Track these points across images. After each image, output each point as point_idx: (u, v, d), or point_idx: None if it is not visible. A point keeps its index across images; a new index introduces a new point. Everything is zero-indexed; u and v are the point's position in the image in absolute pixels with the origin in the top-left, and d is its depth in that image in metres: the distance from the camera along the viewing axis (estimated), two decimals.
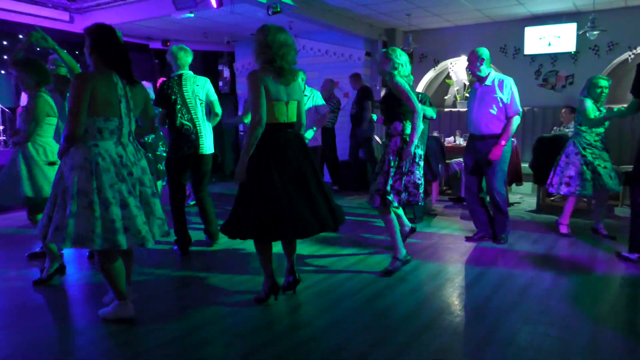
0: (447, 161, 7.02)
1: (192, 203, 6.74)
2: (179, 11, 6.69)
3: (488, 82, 4.46)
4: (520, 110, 4.44)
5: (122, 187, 2.74)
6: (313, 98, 5.82)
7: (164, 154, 6.53)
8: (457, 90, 8.90)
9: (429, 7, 7.22)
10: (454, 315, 3.06)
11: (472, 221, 4.96)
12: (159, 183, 5.79)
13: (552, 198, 7.08)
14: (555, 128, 7.12)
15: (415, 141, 3.76)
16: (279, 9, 6.15)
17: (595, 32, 6.63)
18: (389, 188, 3.79)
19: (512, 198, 7.13)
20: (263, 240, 3.13)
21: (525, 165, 6.71)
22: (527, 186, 7.36)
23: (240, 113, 9.29)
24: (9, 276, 3.88)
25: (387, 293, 3.44)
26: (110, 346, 2.69)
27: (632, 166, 4.64)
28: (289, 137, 3.11)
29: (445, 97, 9.18)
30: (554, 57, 7.69)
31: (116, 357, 2.58)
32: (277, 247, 3.34)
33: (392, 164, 3.80)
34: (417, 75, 8.67)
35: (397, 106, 3.80)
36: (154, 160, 5.57)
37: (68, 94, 3.93)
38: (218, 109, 4.44)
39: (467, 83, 8.57)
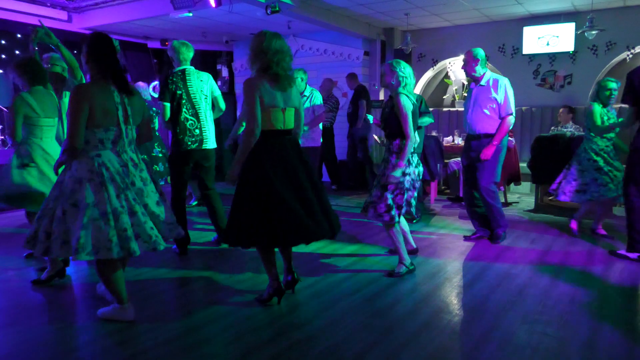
0: (446, 161, 7.03)
1: (193, 204, 6.75)
2: (177, 10, 6.68)
3: (483, 82, 4.47)
4: (514, 110, 4.44)
5: (128, 195, 2.74)
6: (311, 99, 5.82)
7: (160, 155, 6.54)
8: (456, 89, 8.91)
9: (428, 7, 7.23)
10: (452, 315, 3.07)
11: (470, 221, 4.97)
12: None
13: (550, 198, 7.09)
14: (553, 128, 7.13)
15: (403, 168, 3.71)
16: (277, 9, 6.15)
17: (593, 32, 6.65)
18: (390, 202, 3.74)
19: (511, 198, 7.14)
20: (263, 247, 3.14)
21: (523, 165, 6.72)
22: (526, 186, 7.38)
23: (239, 113, 9.30)
24: (8, 276, 3.87)
25: (386, 292, 3.45)
26: (109, 345, 2.69)
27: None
28: (286, 143, 3.11)
29: (444, 97, 9.19)
30: (553, 57, 7.70)
31: (115, 356, 2.58)
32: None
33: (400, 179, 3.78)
34: (416, 74, 8.64)
35: (397, 124, 3.78)
36: (149, 161, 5.57)
37: (68, 95, 3.95)
38: (222, 105, 4.48)
39: (466, 82, 8.57)
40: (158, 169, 6.43)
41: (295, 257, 4.06)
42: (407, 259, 3.89)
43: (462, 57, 4.80)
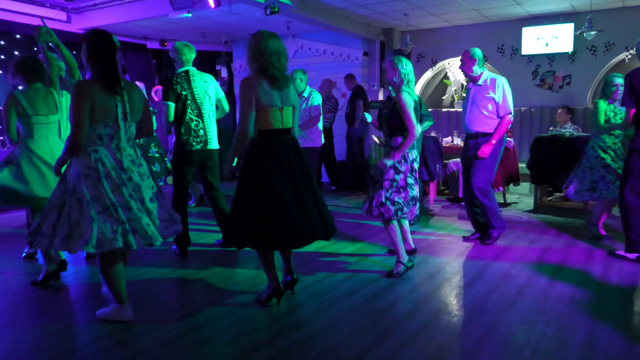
0: (445, 161, 7.03)
1: (192, 205, 6.75)
2: (177, 11, 6.68)
3: (480, 82, 4.47)
4: (512, 110, 4.43)
5: (123, 191, 2.76)
6: (309, 100, 5.84)
7: (157, 155, 6.54)
8: (455, 90, 8.92)
9: (427, 7, 7.23)
10: (451, 315, 3.07)
11: (469, 221, 4.97)
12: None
13: (550, 198, 7.10)
14: (551, 128, 7.14)
15: (396, 159, 3.78)
16: (276, 9, 6.15)
17: (592, 33, 6.65)
18: (383, 199, 3.78)
19: (510, 198, 7.15)
20: (258, 249, 3.15)
21: (522, 166, 6.72)
22: (525, 186, 7.38)
23: (238, 113, 9.29)
24: (6, 277, 3.87)
25: (385, 293, 3.45)
26: (108, 345, 2.69)
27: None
28: (284, 143, 3.11)
29: (443, 97, 9.20)
30: (552, 57, 7.71)
31: (114, 357, 2.58)
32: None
33: (391, 177, 3.83)
34: (415, 75, 8.64)
35: (399, 121, 3.82)
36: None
37: (65, 94, 3.94)
38: (227, 107, 4.53)
39: (465, 83, 8.58)
40: (155, 170, 6.43)
41: (295, 258, 4.05)
42: (404, 257, 3.90)
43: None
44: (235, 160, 3.22)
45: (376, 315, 3.06)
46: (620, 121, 4.66)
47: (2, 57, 7.76)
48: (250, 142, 3.11)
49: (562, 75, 7.72)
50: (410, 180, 3.86)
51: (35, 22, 7.24)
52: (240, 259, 4.30)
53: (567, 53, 7.54)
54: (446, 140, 7.42)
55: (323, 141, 6.50)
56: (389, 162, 3.79)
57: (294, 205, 3.04)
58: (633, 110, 4.08)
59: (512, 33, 7.88)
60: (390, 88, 3.95)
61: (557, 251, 4.47)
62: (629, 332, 2.79)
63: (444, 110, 8.80)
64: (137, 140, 3.05)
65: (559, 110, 7.07)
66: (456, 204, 6.76)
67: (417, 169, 3.94)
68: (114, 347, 2.68)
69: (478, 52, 4.49)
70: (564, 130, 6.57)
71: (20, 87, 3.79)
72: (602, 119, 4.72)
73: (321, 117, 6.33)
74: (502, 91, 4.38)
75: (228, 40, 9.60)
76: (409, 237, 4.26)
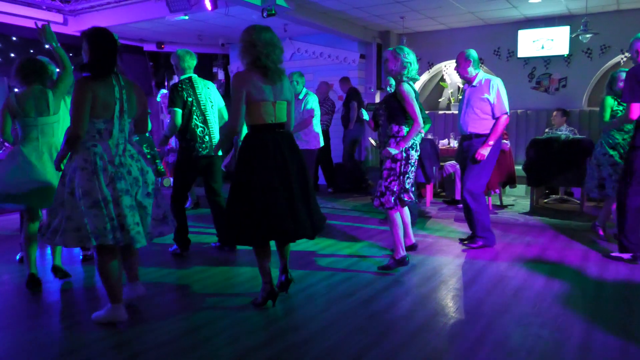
0: (441, 163, 7.05)
1: (188, 207, 6.74)
2: (173, 13, 6.68)
3: (475, 83, 4.47)
4: (508, 110, 4.40)
5: (117, 186, 2.80)
6: (301, 103, 5.87)
7: (148, 156, 6.54)
8: (451, 92, 8.94)
9: (423, 10, 7.25)
10: (448, 317, 3.07)
11: (466, 223, 4.97)
12: None
13: (546, 200, 7.12)
14: (547, 130, 7.16)
15: (405, 146, 3.85)
16: (273, 12, 6.16)
17: (588, 35, 6.68)
18: (383, 189, 3.91)
19: (506, 200, 7.16)
20: (247, 245, 3.16)
21: (518, 168, 6.74)
22: (521, 188, 7.40)
23: None
24: (3, 280, 3.86)
25: (382, 295, 3.45)
26: (106, 347, 2.68)
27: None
28: (278, 138, 3.10)
29: (440, 100, 9.22)
30: (547, 60, 7.74)
31: (112, 359, 2.57)
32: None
33: (389, 166, 3.91)
34: None
35: (397, 108, 3.87)
36: None
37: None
38: (226, 115, 4.54)
39: (461, 85, 8.60)
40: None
41: (293, 259, 4.07)
42: (401, 254, 3.94)
43: None
44: (230, 155, 3.25)
45: (373, 317, 3.06)
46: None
47: None
48: (244, 138, 3.11)
49: (558, 78, 7.75)
50: (404, 168, 3.90)
51: (31, 23, 7.26)
52: (238, 261, 4.30)
53: (562, 56, 7.57)
54: (443, 143, 7.43)
55: (322, 144, 6.52)
56: (394, 151, 3.84)
57: (282, 201, 3.02)
58: (637, 105, 3.92)
59: (508, 36, 7.91)
60: (391, 82, 3.97)
61: (553, 253, 4.48)
62: (625, 333, 2.80)
63: (441, 112, 8.82)
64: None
65: (554, 113, 7.09)
66: (453, 206, 6.77)
67: (415, 157, 3.97)
68: (111, 348, 2.67)
69: (473, 53, 4.49)
70: (559, 133, 6.59)
71: (16, 90, 3.78)
72: (607, 115, 4.73)
73: (318, 119, 6.35)
74: (497, 92, 4.37)
75: (225, 43, 9.60)
76: (410, 231, 4.26)
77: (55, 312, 3.27)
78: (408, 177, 3.95)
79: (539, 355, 2.56)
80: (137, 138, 5.48)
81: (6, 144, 3.89)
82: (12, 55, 7.82)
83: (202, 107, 4.29)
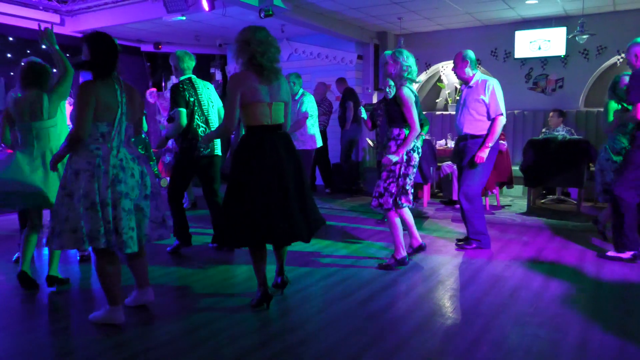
0: (439, 164, 7.06)
1: (186, 208, 6.73)
2: (171, 14, 6.68)
3: (472, 83, 4.46)
4: (503, 111, 4.36)
5: (117, 188, 2.80)
6: (297, 104, 5.89)
7: None
8: (449, 93, 8.96)
9: (420, 11, 7.26)
10: (445, 317, 3.07)
11: (463, 224, 4.98)
12: None
13: (543, 201, 7.14)
14: (544, 130, 7.17)
15: (403, 152, 3.90)
16: (270, 12, 6.16)
17: (584, 36, 6.70)
18: (382, 190, 3.95)
19: (503, 201, 7.18)
20: (240, 247, 3.17)
21: (515, 168, 6.76)
22: (518, 189, 7.42)
23: None
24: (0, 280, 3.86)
25: (379, 295, 3.45)
26: (103, 349, 2.68)
27: None
28: (275, 139, 3.09)
29: (437, 101, 9.24)
30: (544, 61, 7.76)
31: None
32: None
33: (391, 168, 3.96)
34: None
35: (397, 112, 3.93)
36: None
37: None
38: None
39: (458, 86, 8.62)
40: None
41: (290, 259, 4.06)
42: (401, 254, 3.97)
43: None
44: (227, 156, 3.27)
45: (371, 318, 3.06)
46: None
47: None
48: (240, 139, 3.12)
49: (555, 79, 7.77)
50: (404, 170, 3.94)
51: (28, 24, 7.25)
52: (236, 261, 4.30)
53: (559, 56, 7.59)
54: (440, 143, 7.45)
55: (321, 144, 6.53)
56: (395, 159, 3.88)
57: (275, 204, 3.01)
58: None
59: (506, 37, 7.93)
60: (390, 84, 4.00)
61: (550, 253, 4.49)
62: (622, 333, 2.81)
63: (438, 113, 8.84)
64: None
65: (551, 114, 7.10)
66: (450, 207, 6.78)
67: (417, 159, 4.02)
68: (108, 350, 2.67)
69: (470, 54, 4.49)
70: (556, 133, 6.61)
71: (19, 94, 3.77)
72: (611, 118, 4.71)
73: (315, 120, 6.36)
74: (492, 93, 4.34)
75: (222, 43, 9.60)
76: (416, 232, 4.26)
77: (53, 313, 3.26)
78: (409, 179, 4.01)
79: (537, 355, 2.56)
80: (133, 139, 5.49)
81: (2, 144, 3.87)
82: (9, 55, 7.81)
83: (204, 107, 4.31)
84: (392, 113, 3.99)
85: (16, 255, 4.35)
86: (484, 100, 4.36)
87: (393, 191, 3.96)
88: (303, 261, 4.27)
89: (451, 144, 7.31)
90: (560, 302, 3.28)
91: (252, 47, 3.00)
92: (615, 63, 7.36)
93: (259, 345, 2.71)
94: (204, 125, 4.29)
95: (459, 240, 4.81)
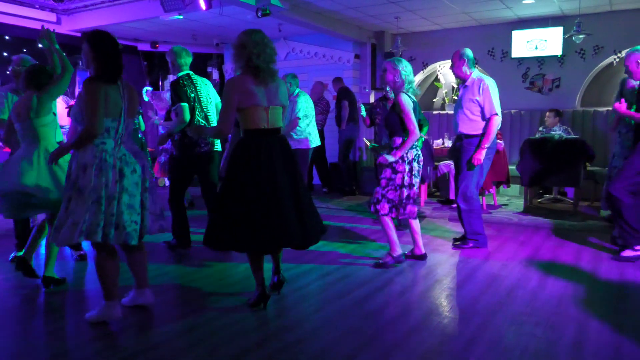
0: (436, 163, 7.07)
1: None
2: (168, 13, 6.66)
3: (468, 82, 4.45)
4: (498, 111, 4.31)
5: (124, 183, 2.86)
6: (292, 102, 5.91)
7: None
8: (446, 92, 8.96)
9: (418, 10, 7.26)
10: (442, 317, 3.08)
11: (460, 223, 4.98)
12: None
13: (540, 200, 7.15)
14: (541, 128, 7.18)
15: (400, 155, 3.93)
16: (268, 11, 6.15)
17: (581, 36, 6.71)
18: (380, 197, 4.00)
19: (500, 200, 7.19)
20: (224, 250, 3.18)
21: (512, 168, 6.77)
22: (515, 188, 7.43)
23: None
24: None
25: (376, 295, 3.46)
26: (99, 349, 2.67)
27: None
28: (272, 143, 3.08)
29: (434, 100, 9.24)
30: (541, 61, 7.77)
31: None
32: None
33: (388, 176, 4.01)
34: None
35: (397, 122, 3.98)
36: None
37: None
38: None
39: (456, 86, 8.63)
40: None
41: (286, 259, 4.07)
42: (397, 251, 4.05)
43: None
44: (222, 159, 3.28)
45: (368, 317, 3.07)
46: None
47: None
48: (237, 142, 3.11)
49: (552, 78, 7.78)
50: (408, 180, 3.99)
51: (25, 23, 7.22)
52: (233, 260, 4.30)
53: (556, 56, 7.60)
54: (437, 143, 7.45)
55: (318, 143, 6.54)
56: (391, 159, 3.93)
57: (268, 209, 2.99)
58: None
59: (502, 36, 7.94)
60: (387, 89, 4.05)
61: (547, 252, 4.50)
62: (618, 332, 2.82)
63: (435, 112, 8.84)
64: None
65: (547, 114, 7.11)
66: (447, 206, 6.79)
67: (419, 169, 4.07)
68: (105, 350, 2.66)
69: (468, 52, 4.48)
70: (553, 133, 6.62)
71: (1, 92, 3.80)
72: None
73: (312, 120, 6.37)
74: (486, 92, 4.30)
75: (219, 43, 9.58)
76: (420, 240, 4.26)
77: (50, 313, 3.25)
78: (412, 187, 4.03)
79: (533, 353, 2.57)
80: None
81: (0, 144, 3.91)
82: (5, 54, 7.78)
83: (203, 103, 4.30)
84: (393, 123, 4.02)
85: (12, 254, 4.33)
86: (477, 101, 4.35)
87: (391, 198, 4.00)
88: (300, 260, 4.27)
89: (448, 143, 7.32)
90: (556, 302, 3.29)
91: (249, 49, 3.01)
92: (612, 63, 7.37)
93: (257, 345, 2.71)
94: (203, 122, 4.29)
95: (455, 239, 4.81)
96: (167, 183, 7.54)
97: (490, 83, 4.38)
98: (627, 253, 4.16)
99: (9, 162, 3.61)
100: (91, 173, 2.79)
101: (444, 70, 8.84)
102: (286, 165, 3.10)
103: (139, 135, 6.48)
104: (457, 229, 5.24)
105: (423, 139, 4.77)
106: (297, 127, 6.19)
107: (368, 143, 5.09)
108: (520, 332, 2.82)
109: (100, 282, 2.94)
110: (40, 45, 3.78)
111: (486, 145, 4.34)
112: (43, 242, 3.85)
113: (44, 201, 3.49)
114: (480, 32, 8.15)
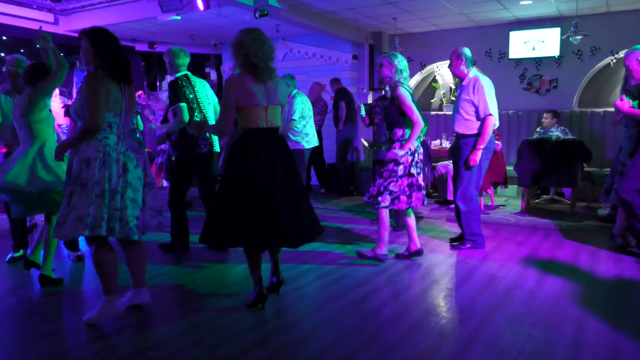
0: (433, 164, 7.07)
1: None
2: (166, 13, 6.65)
3: (465, 82, 4.45)
4: (492, 112, 4.27)
5: (127, 178, 2.91)
6: (291, 105, 5.92)
7: None
8: (443, 93, 8.98)
9: (415, 11, 7.27)
10: (439, 317, 3.09)
11: (457, 224, 4.99)
12: None
13: (537, 200, 7.17)
14: (538, 129, 7.19)
15: (408, 149, 4.00)
16: (266, 12, 6.15)
17: (578, 37, 6.73)
18: (382, 189, 4.05)
19: (497, 200, 7.20)
20: (217, 248, 3.19)
21: (510, 168, 6.78)
22: (512, 189, 7.44)
23: None
24: None
25: (374, 295, 3.46)
26: (96, 350, 2.67)
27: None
28: (271, 142, 3.08)
29: (432, 101, 9.25)
30: (538, 61, 7.79)
31: None
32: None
33: (391, 168, 4.07)
34: None
35: (397, 114, 4.03)
36: None
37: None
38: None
39: (453, 86, 8.64)
40: None
41: (284, 259, 4.06)
42: (383, 251, 4.15)
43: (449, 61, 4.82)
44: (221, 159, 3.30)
45: (366, 317, 3.07)
46: None
47: None
48: (236, 141, 3.11)
49: (549, 79, 7.80)
50: (413, 170, 4.06)
51: (22, 24, 7.21)
52: (231, 261, 4.30)
53: (553, 57, 7.62)
54: (435, 143, 7.46)
55: (316, 143, 6.54)
56: (401, 153, 4.00)
57: (265, 208, 3.00)
58: None
59: (500, 37, 7.95)
60: (390, 87, 4.08)
61: (544, 253, 4.51)
62: (615, 332, 2.83)
63: (433, 113, 8.85)
64: None
65: (545, 115, 7.12)
66: (444, 207, 6.80)
67: (420, 160, 4.14)
68: (103, 350, 2.66)
69: (466, 51, 4.46)
70: (551, 133, 6.63)
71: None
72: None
73: (309, 120, 6.37)
74: (480, 92, 4.27)
75: (217, 43, 9.58)
76: (415, 236, 4.29)
77: (48, 313, 3.24)
78: (413, 176, 4.07)
79: (530, 354, 2.57)
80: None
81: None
82: (2, 54, 7.76)
83: (201, 104, 4.31)
84: (392, 115, 4.07)
85: (9, 255, 4.32)
86: (472, 101, 4.33)
87: (393, 189, 4.04)
88: (298, 261, 4.27)
89: (446, 143, 7.33)
90: (554, 302, 3.30)
91: (246, 47, 3.02)
92: (609, 64, 7.39)
93: (255, 345, 2.71)
94: None
95: (452, 239, 4.82)
96: (165, 184, 7.55)
97: (485, 83, 4.36)
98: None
99: (7, 160, 3.62)
100: (94, 166, 2.81)
101: (441, 70, 8.86)
102: (285, 164, 3.11)
103: (137, 134, 6.48)
104: (455, 230, 5.24)
105: (421, 139, 4.78)
106: (294, 128, 6.19)
107: (366, 144, 5.11)
108: (518, 332, 2.83)
109: (100, 278, 2.95)
110: (37, 46, 3.79)
111: (482, 147, 4.32)
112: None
113: (47, 200, 3.51)
114: (478, 33, 8.17)
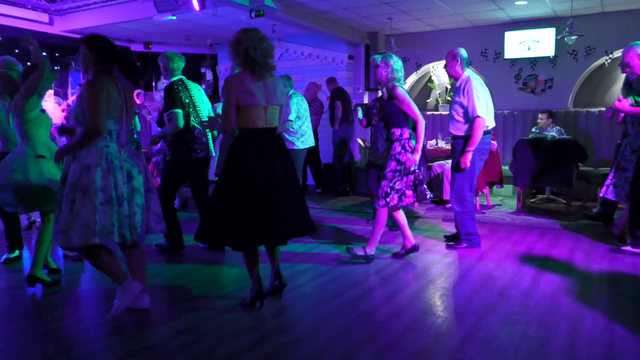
0: (429, 164, 7.08)
1: (175, 208, 6.69)
2: (161, 13, 6.64)
3: (458, 83, 4.45)
4: (479, 113, 4.21)
5: (132, 184, 2.92)
6: (287, 105, 5.92)
7: None
8: (439, 93, 9.00)
9: (411, 11, 7.29)
10: (436, 316, 3.09)
11: (453, 223, 5.00)
12: None
13: (533, 200, 7.19)
14: (533, 129, 7.22)
15: (419, 150, 4.08)
16: (261, 12, 6.15)
17: (573, 37, 6.76)
18: (388, 190, 4.07)
19: (493, 200, 7.22)
20: (214, 247, 3.19)
21: (505, 168, 6.80)
22: (508, 188, 7.47)
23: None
24: None
25: (370, 295, 3.46)
26: (93, 352, 2.66)
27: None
28: (269, 142, 3.09)
29: (428, 101, 9.27)
30: (534, 61, 7.82)
31: None
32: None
33: (394, 168, 4.09)
34: None
35: (394, 113, 4.05)
36: None
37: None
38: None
39: (449, 86, 8.66)
40: None
41: (280, 259, 4.05)
42: (372, 251, 4.20)
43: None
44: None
45: (362, 317, 3.07)
46: None
47: None
48: (234, 140, 3.11)
49: (544, 79, 7.83)
50: (413, 168, 4.10)
51: (17, 24, 7.18)
52: (227, 262, 4.29)
53: (548, 57, 7.65)
54: (430, 144, 7.47)
55: (313, 144, 6.55)
56: (417, 157, 4.07)
57: (263, 208, 3.00)
58: None
59: (495, 37, 7.97)
60: (388, 87, 4.10)
61: (540, 252, 4.52)
62: (610, 331, 2.84)
63: (429, 113, 8.87)
64: None
65: (540, 115, 7.15)
66: (440, 206, 6.81)
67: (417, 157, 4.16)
68: (98, 353, 2.65)
69: (461, 52, 4.46)
70: (546, 133, 6.66)
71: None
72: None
73: (305, 120, 6.37)
74: (468, 93, 4.24)
75: (213, 43, 9.57)
76: (408, 232, 4.31)
77: (45, 314, 3.23)
78: (415, 172, 4.13)
79: (526, 352, 2.58)
80: None
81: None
82: None
83: (198, 108, 4.31)
84: (390, 114, 4.07)
85: (4, 256, 4.30)
86: (461, 102, 4.33)
87: (399, 187, 4.09)
88: (295, 260, 4.27)
89: (441, 143, 7.34)
90: (549, 301, 3.31)
91: (245, 44, 3.02)
92: (604, 64, 7.43)
93: (253, 345, 2.71)
94: (199, 127, 4.29)
95: (447, 238, 4.82)
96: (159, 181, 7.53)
97: (477, 84, 4.32)
98: (629, 248, 4.27)
99: (4, 160, 3.62)
100: (95, 173, 2.80)
101: (437, 71, 8.88)
102: (283, 164, 3.12)
103: (134, 135, 6.46)
104: (451, 229, 5.25)
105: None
106: (291, 128, 6.19)
107: (362, 143, 5.12)
108: (514, 331, 2.84)
109: (107, 275, 2.99)
110: (31, 47, 3.77)
111: (471, 149, 4.28)
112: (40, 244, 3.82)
113: (47, 195, 3.52)
114: (473, 33, 8.19)
